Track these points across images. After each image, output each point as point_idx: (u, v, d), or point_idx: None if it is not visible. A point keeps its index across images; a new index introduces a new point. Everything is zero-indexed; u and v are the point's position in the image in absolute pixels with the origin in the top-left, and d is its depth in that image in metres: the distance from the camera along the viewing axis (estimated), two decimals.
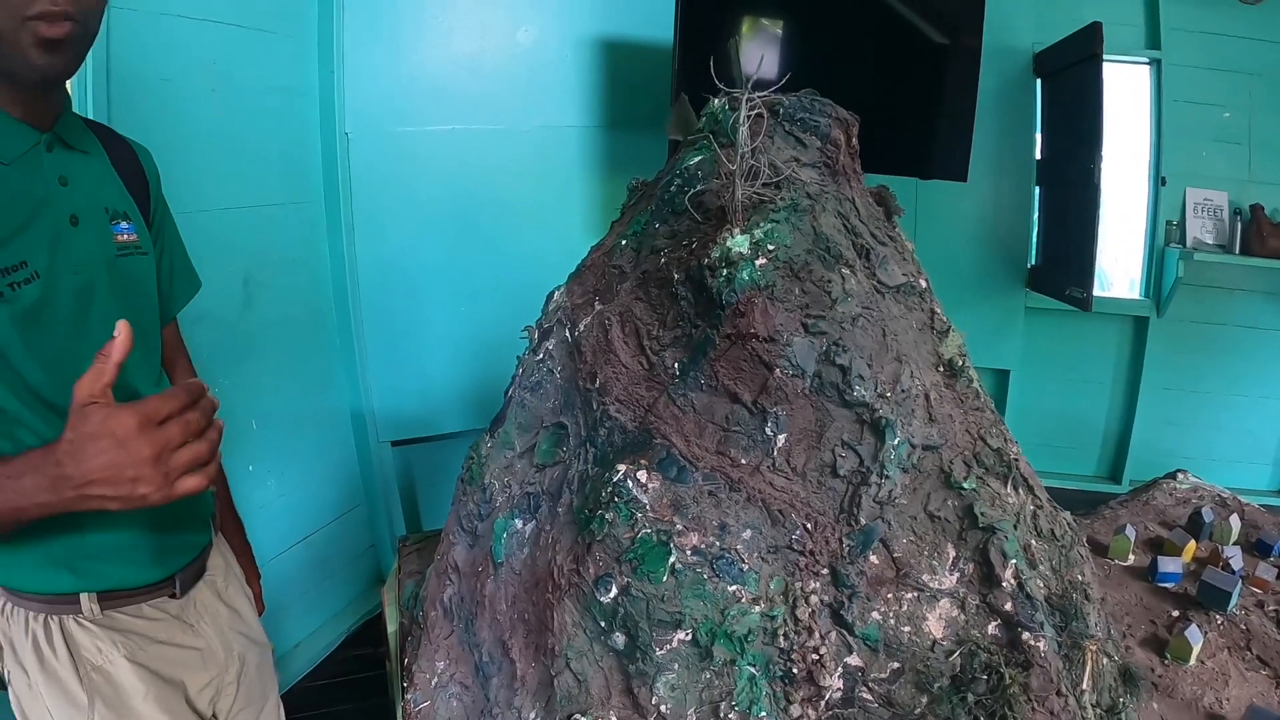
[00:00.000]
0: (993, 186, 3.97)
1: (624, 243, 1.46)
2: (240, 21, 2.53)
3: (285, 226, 2.79)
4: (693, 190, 1.37)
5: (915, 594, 1.20)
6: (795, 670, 1.17)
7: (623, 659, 1.21)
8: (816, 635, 1.18)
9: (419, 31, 2.95)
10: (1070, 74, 3.55)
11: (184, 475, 0.94)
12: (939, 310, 1.42)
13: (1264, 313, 4.02)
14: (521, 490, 1.42)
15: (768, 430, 1.20)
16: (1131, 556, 1.87)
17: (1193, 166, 3.92)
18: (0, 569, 1.13)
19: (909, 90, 3.39)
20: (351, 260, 2.96)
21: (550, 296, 1.54)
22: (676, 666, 1.17)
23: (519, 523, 1.39)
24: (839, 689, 1.17)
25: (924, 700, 1.16)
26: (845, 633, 1.18)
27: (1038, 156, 3.96)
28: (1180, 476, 2.31)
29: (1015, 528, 1.23)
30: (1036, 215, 4.01)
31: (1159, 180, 3.94)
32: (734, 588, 1.18)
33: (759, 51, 3.09)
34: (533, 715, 1.27)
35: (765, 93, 1.30)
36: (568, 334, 1.44)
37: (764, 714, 1.16)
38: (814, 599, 1.20)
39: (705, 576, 1.18)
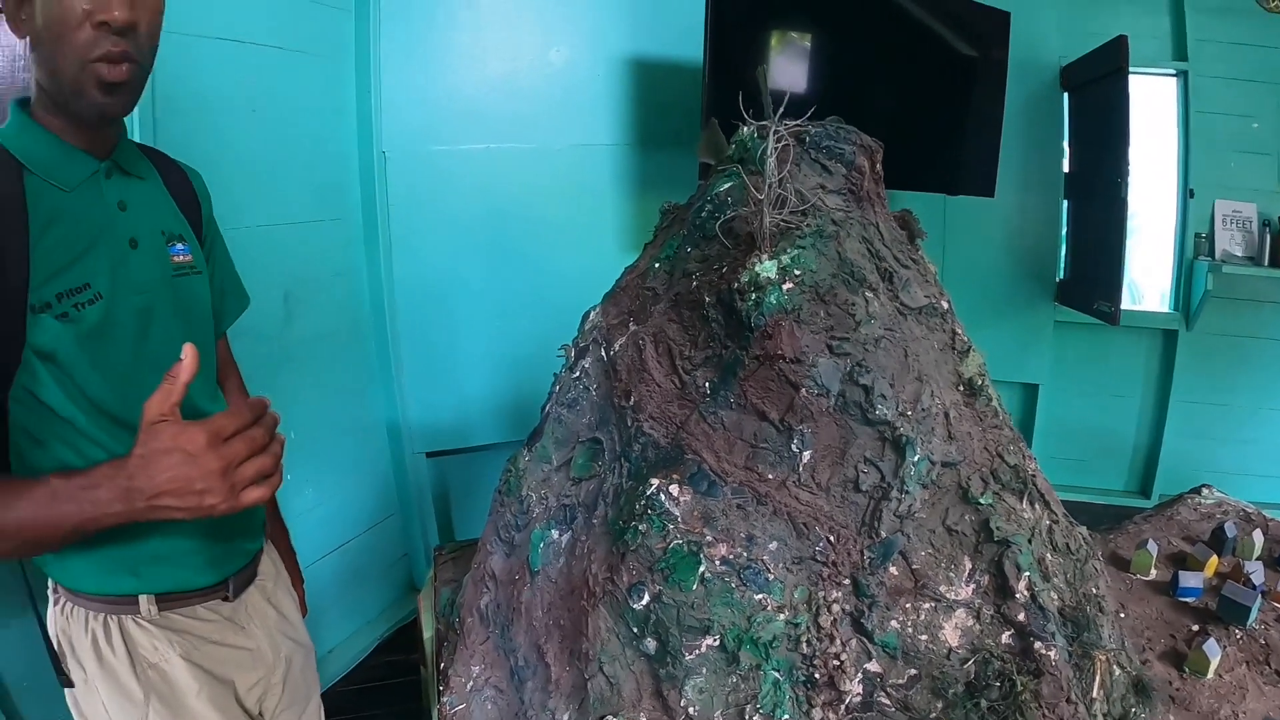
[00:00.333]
0: (1021, 200, 3.93)
1: (657, 265, 1.50)
2: (280, 44, 2.57)
3: (324, 243, 2.83)
4: (723, 217, 1.42)
5: (932, 604, 1.24)
6: (817, 675, 1.22)
7: (653, 663, 1.25)
8: (838, 642, 1.22)
9: (454, 53, 2.97)
10: (1097, 87, 3.51)
11: (249, 487, 0.99)
12: (960, 331, 1.45)
13: None
14: (558, 502, 1.47)
15: (794, 447, 1.25)
16: (1154, 571, 1.86)
17: (1221, 178, 3.85)
18: (63, 571, 1.18)
19: (936, 106, 3.38)
20: (388, 276, 2.99)
21: (586, 316, 1.58)
22: (704, 670, 1.22)
23: (555, 533, 1.44)
24: (858, 694, 1.21)
25: (939, 705, 1.20)
26: (865, 640, 1.22)
27: (1066, 170, 3.91)
28: (1205, 491, 2.30)
29: (1030, 542, 1.26)
30: (1065, 229, 3.96)
31: (1187, 192, 3.89)
32: (760, 596, 1.23)
33: (788, 64, 3.11)
34: (566, 717, 1.31)
35: (793, 123, 1.35)
36: (603, 353, 1.48)
37: (787, 717, 1.20)
38: (836, 608, 1.24)
39: (733, 585, 1.23)
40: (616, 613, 1.28)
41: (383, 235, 2.97)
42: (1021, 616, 1.22)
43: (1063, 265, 4.01)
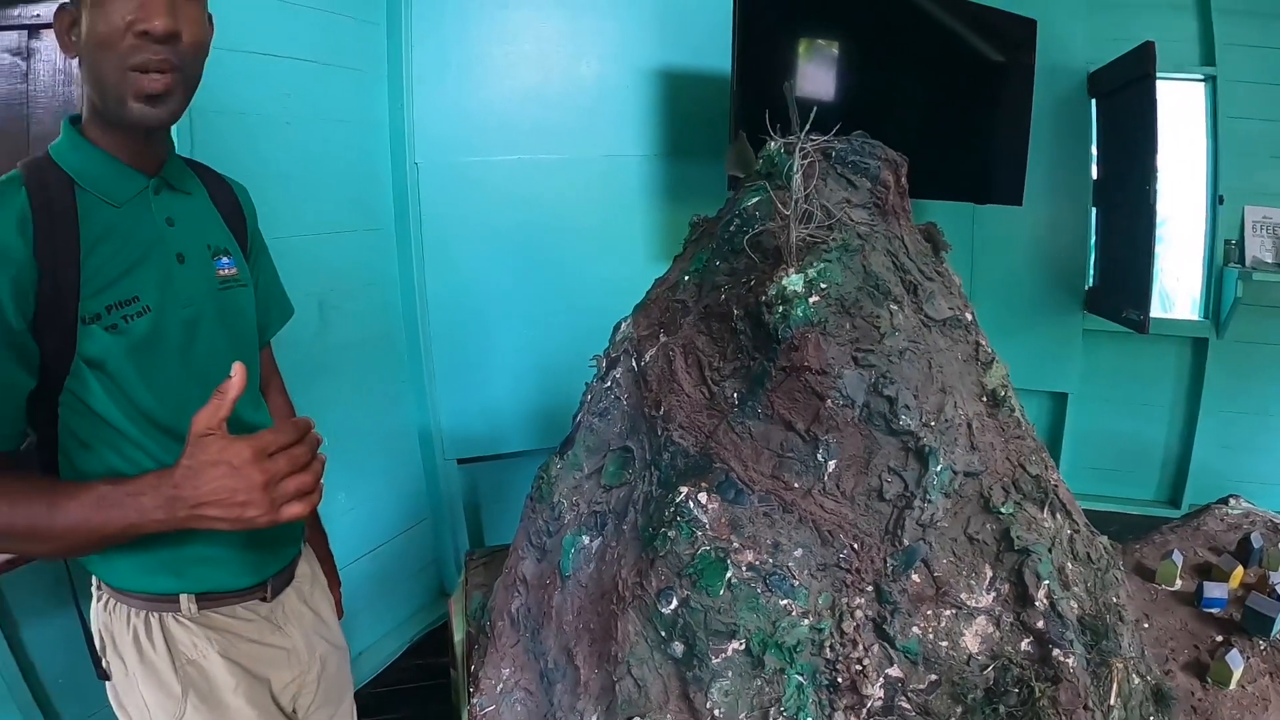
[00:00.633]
0: (1049, 208, 3.92)
1: (686, 278, 1.53)
2: (314, 58, 2.61)
3: (358, 252, 2.86)
4: (751, 231, 1.44)
5: (953, 611, 1.26)
6: (840, 679, 1.24)
7: (680, 666, 1.27)
8: (860, 647, 1.24)
9: (485, 65, 3.00)
10: (1124, 94, 3.50)
11: (289, 502, 1.03)
12: (984, 342, 1.47)
13: None
14: (589, 509, 1.49)
15: (819, 456, 1.27)
16: (1179, 581, 1.85)
17: (1251, 184, 3.79)
18: (108, 570, 1.21)
19: (963, 114, 3.39)
20: (421, 285, 3.02)
21: (617, 328, 1.61)
22: (730, 674, 1.24)
23: (586, 539, 1.47)
24: (880, 698, 1.23)
25: (959, 710, 1.22)
26: (887, 645, 1.24)
27: (1094, 177, 3.89)
28: (1232, 501, 2.28)
29: (1050, 551, 1.28)
30: (1093, 237, 3.93)
31: (1216, 199, 3.84)
32: (785, 602, 1.25)
33: (816, 73, 3.12)
34: (594, 719, 1.34)
35: (819, 139, 1.38)
36: (634, 364, 1.51)
37: (809, 719, 1.23)
38: (859, 614, 1.26)
39: (759, 591, 1.25)
40: (645, 617, 1.30)
41: (415, 245, 3.00)
42: (1041, 624, 1.23)
43: (1092, 273, 3.98)
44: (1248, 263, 3.77)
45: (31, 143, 2.14)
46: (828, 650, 1.25)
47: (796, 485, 1.29)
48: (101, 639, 1.24)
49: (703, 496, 1.29)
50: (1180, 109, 3.86)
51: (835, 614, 1.26)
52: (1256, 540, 1.94)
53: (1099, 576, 1.32)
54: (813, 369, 1.25)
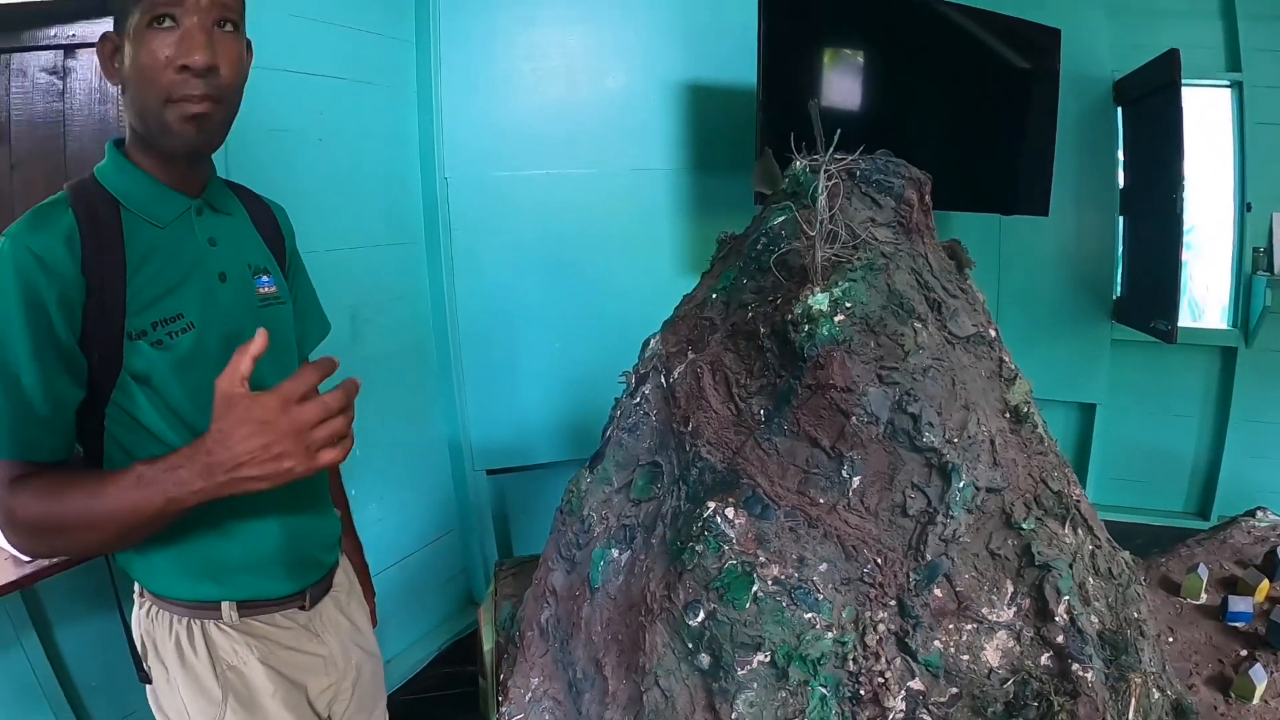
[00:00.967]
0: (1076, 218, 3.90)
1: (714, 296, 1.55)
2: (345, 75, 2.66)
3: (389, 266, 2.90)
4: (777, 250, 1.46)
5: (975, 625, 1.27)
6: (862, 692, 1.25)
7: (707, 677, 1.29)
8: (883, 660, 1.26)
9: (512, 81, 3.03)
10: (1150, 101, 3.48)
11: (325, 448, 1.04)
12: (1007, 359, 1.48)
13: None
14: (618, 522, 1.51)
15: (844, 473, 1.29)
16: (1204, 595, 1.84)
17: (1279, 190, 3.76)
18: (151, 577, 1.23)
19: (989, 125, 3.39)
20: (451, 297, 3.06)
21: (646, 344, 1.63)
22: (755, 685, 1.25)
23: (615, 552, 1.49)
24: (901, 710, 1.24)
25: None
26: (909, 659, 1.26)
27: (1121, 186, 3.87)
28: (1260, 514, 2.25)
29: (1071, 566, 1.29)
30: (1121, 246, 3.91)
31: (1244, 206, 3.80)
32: (810, 615, 1.27)
33: (841, 85, 3.14)
34: None
35: (843, 158, 1.40)
36: (663, 380, 1.53)
37: None
38: (882, 627, 1.27)
39: (784, 604, 1.27)
40: (673, 629, 1.32)
41: (445, 258, 3.03)
42: (1060, 639, 1.24)
43: (1119, 283, 3.96)
44: (1276, 270, 3.74)
45: (68, 160, 2.18)
46: (851, 663, 1.26)
47: (822, 501, 1.30)
48: (143, 644, 1.26)
49: (730, 511, 1.31)
50: (1206, 115, 3.84)
51: (859, 627, 1.28)
52: None
53: (1120, 591, 1.33)
54: (838, 386, 1.27)
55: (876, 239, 1.43)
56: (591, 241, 3.15)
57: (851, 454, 1.29)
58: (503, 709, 1.61)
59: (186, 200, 1.21)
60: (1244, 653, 1.67)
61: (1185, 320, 3.85)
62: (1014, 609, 1.28)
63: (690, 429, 1.43)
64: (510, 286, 3.10)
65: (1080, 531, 1.34)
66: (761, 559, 1.28)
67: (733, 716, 1.25)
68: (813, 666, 1.25)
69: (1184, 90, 3.23)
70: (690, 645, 1.30)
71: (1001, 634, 1.27)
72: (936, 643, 1.26)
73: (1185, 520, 4.04)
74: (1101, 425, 4.11)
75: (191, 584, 1.22)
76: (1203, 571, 1.87)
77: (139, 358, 1.12)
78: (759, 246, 1.51)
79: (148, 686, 1.27)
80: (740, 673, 1.26)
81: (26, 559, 1.67)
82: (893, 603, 1.28)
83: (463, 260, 3.05)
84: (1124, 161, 3.87)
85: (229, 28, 1.13)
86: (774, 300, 1.40)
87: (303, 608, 1.35)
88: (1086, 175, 3.87)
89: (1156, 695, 1.29)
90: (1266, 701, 1.55)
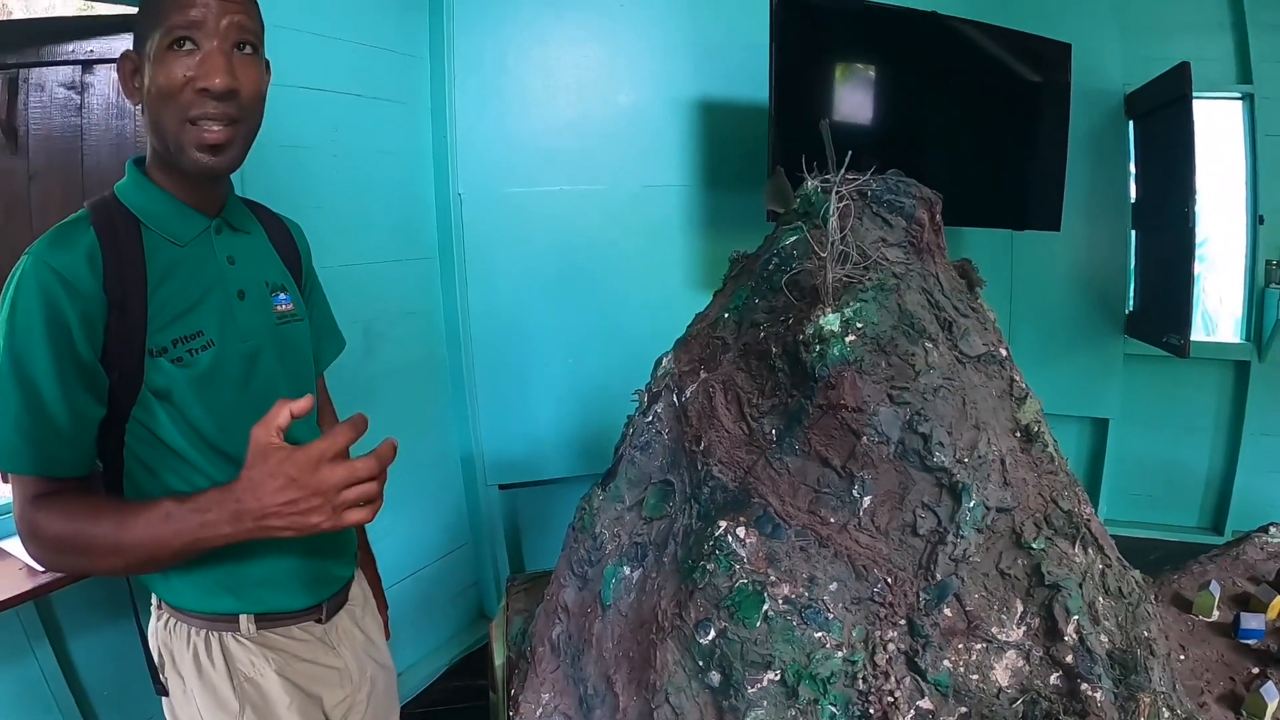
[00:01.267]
0: (1088, 232, 3.89)
1: (726, 316, 1.56)
2: (360, 91, 2.68)
3: (402, 281, 2.92)
4: (789, 271, 1.47)
5: (984, 645, 1.27)
6: (872, 711, 1.25)
7: (717, 695, 1.29)
8: (892, 680, 1.26)
9: (525, 97, 3.06)
10: (1161, 114, 3.48)
11: (352, 508, 1.06)
12: (1018, 378, 1.48)
13: None
14: (630, 540, 1.52)
15: (854, 492, 1.30)
16: (1216, 612, 1.83)
17: None
18: (169, 590, 1.24)
19: (1000, 140, 3.39)
20: (464, 312, 3.07)
21: (659, 363, 1.63)
22: (765, 704, 1.26)
23: (627, 569, 1.50)
24: None
25: None
26: (919, 678, 1.26)
27: (1133, 200, 3.86)
28: (1273, 530, 2.22)
29: (1080, 586, 1.29)
30: (1133, 260, 3.90)
31: (1256, 219, 3.79)
32: (820, 634, 1.27)
33: (852, 102, 3.14)
34: None
35: (854, 178, 1.41)
36: (675, 399, 1.54)
37: None
38: (891, 647, 1.28)
39: (794, 623, 1.27)
40: (683, 646, 1.32)
41: (459, 274, 3.05)
42: (1069, 658, 1.24)
43: (1132, 297, 3.94)
44: None
45: (85, 173, 2.20)
46: (860, 682, 1.26)
47: (832, 520, 1.31)
48: (160, 655, 1.27)
49: (741, 530, 1.31)
50: (1218, 128, 3.84)
51: (868, 646, 1.28)
52: None
53: (1130, 611, 1.33)
54: (849, 406, 1.27)
55: (887, 259, 1.44)
56: (604, 257, 3.17)
57: (862, 474, 1.29)
58: None
59: (206, 219, 1.23)
60: (1256, 670, 1.65)
61: (1198, 334, 3.83)
62: (1023, 628, 1.28)
63: (702, 448, 1.44)
64: (523, 302, 3.12)
65: (1090, 551, 1.34)
66: (772, 578, 1.29)
67: None
68: (822, 685, 1.25)
69: (1195, 103, 3.22)
70: (701, 663, 1.31)
71: (1011, 653, 1.27)
72: (946, 662, 1.27)
73: (1199, 535, 4.01)
74: (1114, 440, 4.09)
75: (210, 597, 1.23)
76: (1215, 588, 1.86)
77: (159, 374, 1.13)
78: (771, 266, 1.53)
79: (164, 698, 1.28)
80: (750, 691, 1.26)
81: (41, 569, 1.69)
82: (902, 622, 1.29)
83: (476, 275, 3.07)
84: (1136, 175, 3.86)
85: (248, 50, 1.15)
86: (786, 320, 1.41)
87: (319, 621, 1.36)
88: (1098, 189, 3.86)
89: (1166, 714, 1.29)
90: (1278, 719, 1.54)
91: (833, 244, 1.31)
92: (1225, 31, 3.77)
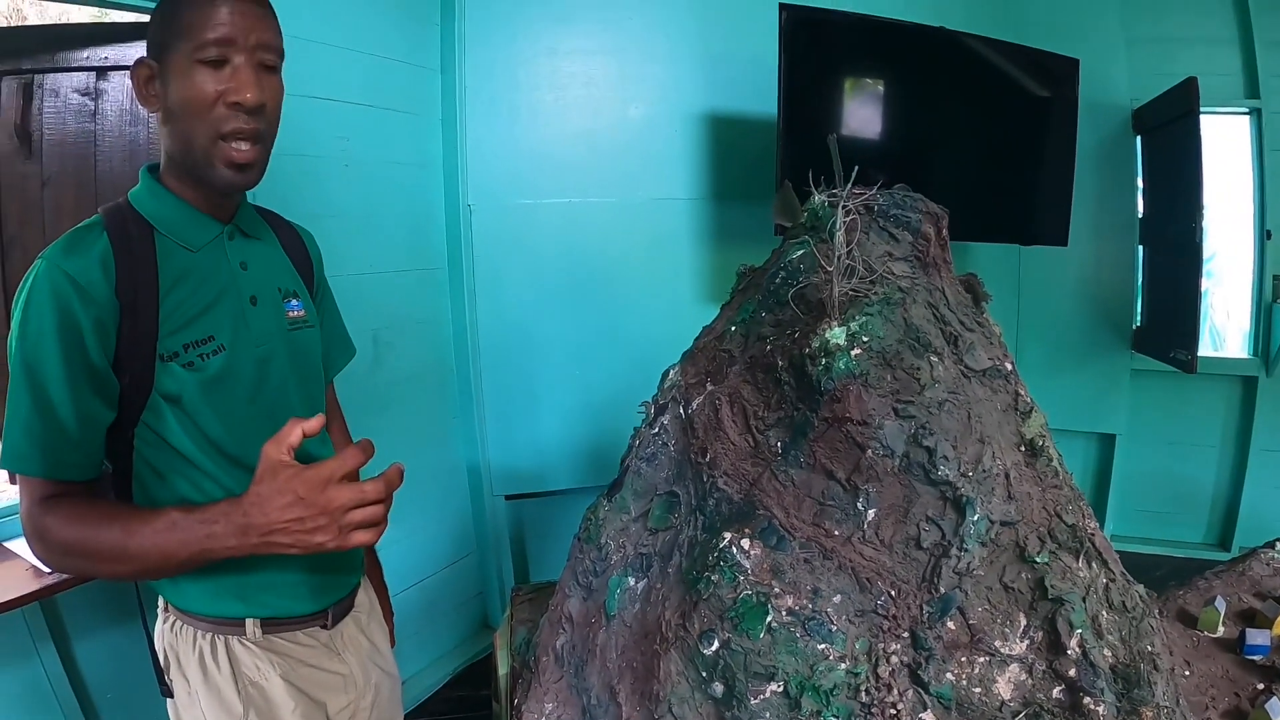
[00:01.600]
0: (1095, 247, 3.89)
1: (733, 329, 1.57)
2: (370, 102, 2.70)
3: (411, 291, 2.93)
4: (795, 284, 1.48)
5: (987, 658, 1.27)
6: None
7: (720, 706, 1.30)
8: (895, 692, 1.26)
9: (535, 110, 3.08)
10: (1169, 130, 3.48)
11: (356, 530, 1.07)
12: (1023, 392, 1.48)
13: None
14: (635, 551, 1.53)
15: (859, 505, 1.30)
16: (1221, 628, 1.83)
17: None
18: (176, 593, 1.25)
19: (1007, 156, 3.40)
20: (473, 323, 3.08)
21: (665, 375, 1.64)
22: (768, 715, 1.26)
23: (632, 580, 1.50)
24: None
25: None
26: (922, 691, 1.27)
27: (1140, 215, 3.86)
28: (1279, 545, 2.25)
29: (1084, 600, 1.29)
30: (1140, 275, 3.89)
31: (1264, 234, 3.78)
32: (823, 646, 1.27)
33: (861, 118, 3.15)
34: None
35: (861, 193, 1.42)
36: (681, 411, 1.55)
37: None
38: (895, 659, 1.28)
39: (798, 635, 1.27)
40: (687, 657, 1.33)
41: (467, 284, 3.06)
42: (1073, 672, 1.24)
43: (1139, 312, 3.93)
44: None
45: (98, 179, 2.23)
46: (863, 694, 1.27)
47: (837, 533, 1.32)
48: (166, 658, 1.27)
49: (745, 542, 1.32)
50: (1225, 143, 3.82)
51: (871, 659, 1.28)
52: None
53: (1134, 625, 1.33)
54: (854, 420, 1.28)
55: (894, 273, 1.45)
56: (612, 269, 3.17)
57: (867, 487, 1.30)
58: None
59: (219, 225, 1.24)
60: (1261, 686, 1.66)
61: (1206, 349, 3.82)
62: (1026, 642, 1.29)
63: (708, 460, 1.45)
64: (531, 313, 3.13)
65: (1094, 565, 1.34)
66: (776, 590, 1.30)
67: None
68: (825, 697, 1.26)
69: (1203, 118, 3.22)
70: (704, 674, 1.31)
71: (1014, 667, 1.28)
72: (949, 675, 1.27)
73: (1206, 551, 3.99)
74: (1121, 456, 4.07)
75: (217, 601, 1.24)
76: (1220, 604, 1.86)
77: (170, 379, 1.14)
78: (778, 280, 1.53)
79: (169, 700, 1.29)
80: (753, 702, 1.27)
81: (47, 570, 1.70)
82: (906, 635, 1.29)
83: (484, 286, 3.08)
84: (1143, 190, 3.85)
85: (271, 69, 1.18)
86: (792, 333, 1.42)
87: (325, 626, 1.36)
88: (1105, 204, 3.86)
89: None
90: None
91: (839, 258, 1.32)
92: (1233, 46, 3.77)
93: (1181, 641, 1.79)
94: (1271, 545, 2.23)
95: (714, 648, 1.30)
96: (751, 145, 3.22)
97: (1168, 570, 3.38)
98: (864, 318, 1.33)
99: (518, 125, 3.07)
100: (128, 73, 1.19)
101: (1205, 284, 3.38)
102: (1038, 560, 1.31)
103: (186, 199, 1.20)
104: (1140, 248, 3.89)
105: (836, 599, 1.30)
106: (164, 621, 1.28)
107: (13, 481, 1.17)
